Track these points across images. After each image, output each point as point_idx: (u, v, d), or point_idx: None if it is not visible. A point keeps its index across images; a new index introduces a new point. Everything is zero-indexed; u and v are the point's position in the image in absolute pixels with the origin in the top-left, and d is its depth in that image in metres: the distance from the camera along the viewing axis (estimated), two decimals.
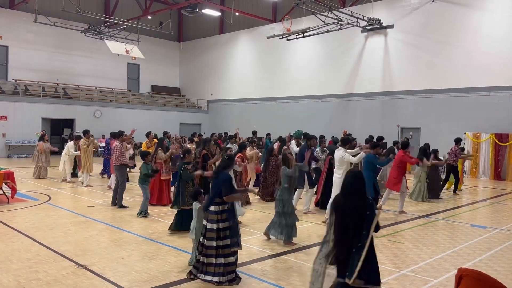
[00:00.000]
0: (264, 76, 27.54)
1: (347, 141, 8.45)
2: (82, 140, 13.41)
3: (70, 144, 14.33)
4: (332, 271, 3.40)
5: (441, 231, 8.14)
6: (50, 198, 10.88)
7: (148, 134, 13.48)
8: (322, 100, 24.20)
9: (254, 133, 17.52)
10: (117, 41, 25.20)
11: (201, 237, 5.25)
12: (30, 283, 5.02)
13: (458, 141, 13.21)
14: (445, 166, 12.88)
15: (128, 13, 28.74)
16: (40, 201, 10.36)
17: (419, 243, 7.14)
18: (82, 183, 13.12)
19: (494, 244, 7.18)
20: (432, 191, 11.82)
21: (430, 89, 19.91)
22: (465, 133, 18.05)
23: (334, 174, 8.31)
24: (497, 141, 17.19)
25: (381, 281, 5.27)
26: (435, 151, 12.13)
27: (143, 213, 8.82)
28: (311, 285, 3.54)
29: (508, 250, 6.82)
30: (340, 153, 8.14)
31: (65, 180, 14.01)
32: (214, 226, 5.16)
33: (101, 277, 5.27)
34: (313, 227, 8.26)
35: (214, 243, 5.12)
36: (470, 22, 18.85)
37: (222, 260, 5.09)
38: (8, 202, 9.91)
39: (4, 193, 10.00)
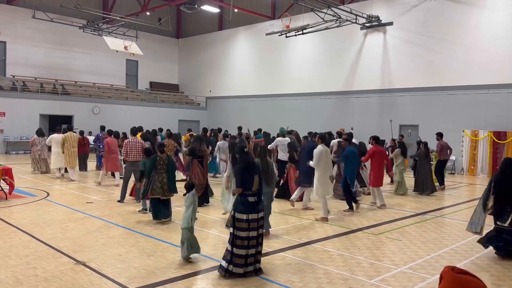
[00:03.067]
0: (263, 73, 27.50)
1: (324, 138, 8.87)
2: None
3: (55, 136, 13.80)
4: (487, 215, 6.13)
5: (439, 228, 8.16)
6: (48, 194, 10.88)
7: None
8: (320, 97, 24.18)
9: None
10: (116, 37, 25.06)
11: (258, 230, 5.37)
12: (28, 280, 5.02)
13: (441, 135, 13.38)
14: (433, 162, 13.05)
15: (127, 9, 28.62)
16: (38, 197, 10.36)
17: (416, 240, 7.16)
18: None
19: None
20: (424, 184, 12.10)
21: (428, 86, 19.91)
22: (463, 131, 18.08)
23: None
24: (495, 139, 17.23)
25: (379, 277, 5.30)
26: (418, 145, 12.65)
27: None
28: (469, 226, 6.33)
29: None
30: (319, 148, 8.48)
31: (62, 176, 13.89)
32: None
33: (99, 273, 5.28)
34: (311, 224, 8.27)
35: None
36: (469, 20, 18.83)
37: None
38: (6, 198, 9.92)
39: (2, 189, 10.02)
